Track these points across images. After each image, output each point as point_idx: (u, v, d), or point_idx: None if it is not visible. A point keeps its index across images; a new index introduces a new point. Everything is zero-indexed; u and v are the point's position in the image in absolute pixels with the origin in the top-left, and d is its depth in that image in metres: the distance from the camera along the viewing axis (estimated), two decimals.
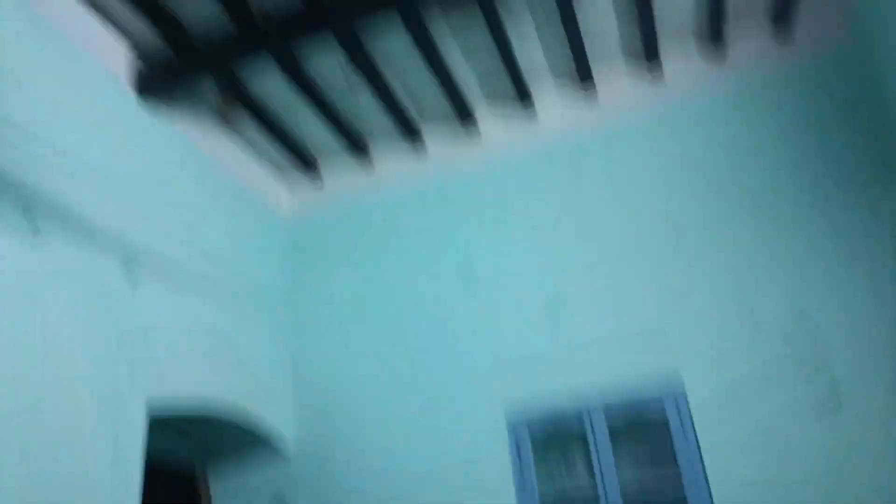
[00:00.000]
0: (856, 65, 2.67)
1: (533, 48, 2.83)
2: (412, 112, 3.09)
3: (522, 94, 3.00)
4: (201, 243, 2.77)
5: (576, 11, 2.61)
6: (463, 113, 3.07)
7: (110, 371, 2.14)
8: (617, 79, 3.01)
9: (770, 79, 2.80)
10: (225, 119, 3.00)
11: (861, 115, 2.62)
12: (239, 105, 2.92)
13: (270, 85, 2.84)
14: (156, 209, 2.55)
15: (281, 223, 3.40)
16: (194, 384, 2.51)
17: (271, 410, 2.90)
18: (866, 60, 2.62)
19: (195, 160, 2.89)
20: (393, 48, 2.71)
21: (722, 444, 2.40)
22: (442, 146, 3.25)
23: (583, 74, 2.92)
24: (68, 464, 1.90)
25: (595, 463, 2.52)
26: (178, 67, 2.63)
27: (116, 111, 2.52)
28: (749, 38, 2.85)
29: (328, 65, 2.77)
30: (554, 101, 3.10)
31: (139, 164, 2.54)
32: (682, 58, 2.93)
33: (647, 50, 2.83)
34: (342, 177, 3.40)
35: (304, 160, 3.28)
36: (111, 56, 2.53)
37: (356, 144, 3.22)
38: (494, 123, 3.17)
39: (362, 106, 3.01)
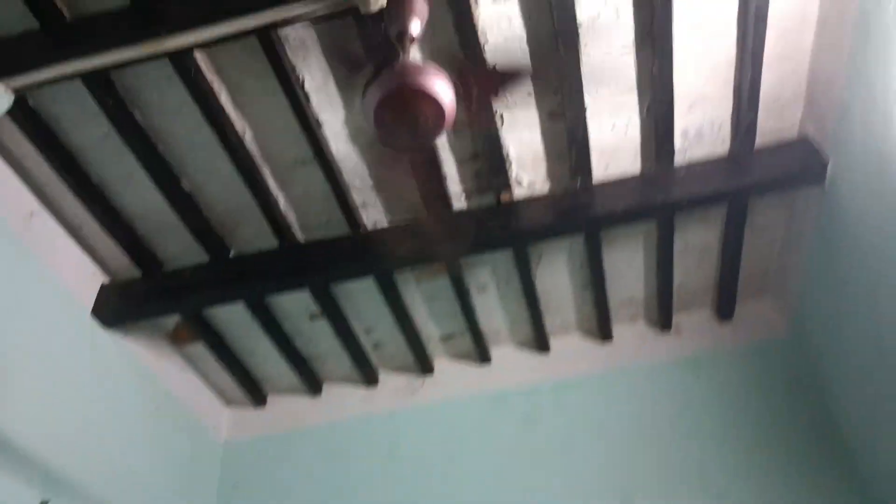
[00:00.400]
0: (796, 356, 2.87)
1: (494, 316, 3.00)
2: (372, 359, 3.14)
3: (481, 354, 3.13)
4: (131, 470, 2.60)
5: (537, 290, 2.80)
6: (422, 363, 3.14)
7: None
8: (570, 343, 3.17)
9: (715, 360, 2.97)
10: (178, 342, 2.96)
11: (804, 406, 2.75)
12: (196, 331, 2.89)
13: (231, 315, 2.85)
14: (84, 429, 2.40)
15: (218, 449, 3.22)
16: None
17: None
18: (806, 354, 2.84)
19: (138, 380, 2.79)
20: (362, 302, 2.81)
21: None
22: (395, 385, 3.25)
23: (539, 341, 3.10)
24: None
25: None
26: (144, 295, 2.63)
27: (66, 329, 2.44)
28: (694, 321, 3.08)
29: (294, 306, 2.83)
30: (509, 358, 3.20)
31: (78, 383, 2.42)
32: (631, 331, 3.13)
33: (600, 325, 3.04)
34: (288, 406, 3.32)
35: (252, 390, 3.22)
36: (72, 275, 2.50)
37: (310, 382, 3.19)
38: (449, 368, 3.23)
39: (323, 348, 3.04)
